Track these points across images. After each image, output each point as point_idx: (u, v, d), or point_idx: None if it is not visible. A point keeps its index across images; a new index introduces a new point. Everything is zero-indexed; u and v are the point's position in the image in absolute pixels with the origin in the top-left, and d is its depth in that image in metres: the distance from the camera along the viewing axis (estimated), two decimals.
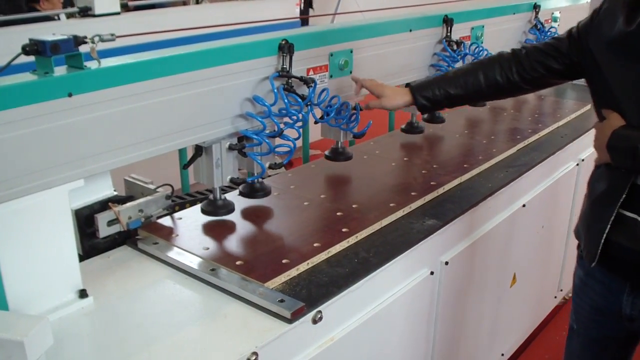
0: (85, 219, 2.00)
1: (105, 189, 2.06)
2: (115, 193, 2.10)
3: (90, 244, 2.05)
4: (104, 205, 2.04)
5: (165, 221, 2.23)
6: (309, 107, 2.27)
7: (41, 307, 1.73)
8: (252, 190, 2.36)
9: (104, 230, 2.03)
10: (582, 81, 2.19)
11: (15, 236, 1.64)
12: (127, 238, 2.15)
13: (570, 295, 4.19)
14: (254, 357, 1.62)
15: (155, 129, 1.91)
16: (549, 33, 3.96)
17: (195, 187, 3.00)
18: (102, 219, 2.02)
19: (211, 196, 2.27)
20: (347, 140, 2.74)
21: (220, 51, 2.04)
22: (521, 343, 3.55)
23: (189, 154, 2.27)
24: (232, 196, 2.39)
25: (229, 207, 2.27)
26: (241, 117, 2.15)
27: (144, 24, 4.43)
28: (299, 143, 2.56)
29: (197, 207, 2.32)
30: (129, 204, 2.10)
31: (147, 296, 1.88)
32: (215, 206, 2.25)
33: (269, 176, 2.68)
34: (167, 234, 2.14)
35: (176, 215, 2.28)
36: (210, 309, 1.81)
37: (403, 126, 3.28)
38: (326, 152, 2.79)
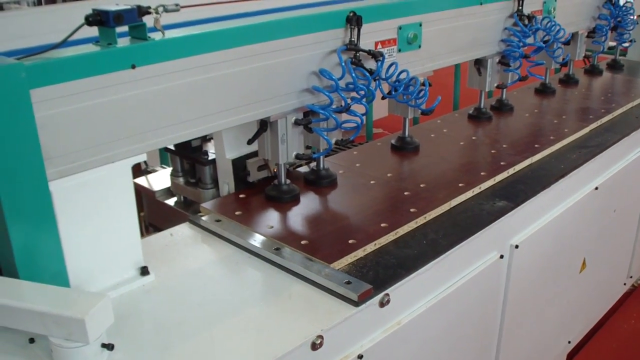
0: (240, 167, 2.28)
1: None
2: None
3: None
4: (255, 155, 2.29)
5: (229, 198, 2.19)
6: (377, 81, 2.19)
7: (102, 283, 1.70)
8: (318, 177, 2.33)
9: (255, 174, 2.30)
10: None
11: (77, 211, 1.60)
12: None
13: (639, 282, 4.05)
14: (319, 341, 1.56)
15: (219, 103, 1.85)
16: (624, 8, 3.79)
17: None
18: (252, 164, 2.29)
19: (276, 181, 2.24)
20: (413, 117, 2.65)
21: (287, 23, 1.97)
22: (588, 330, 3.43)
23: None
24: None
25: (293, 193, 2.21)
26: (307, 92, 2.08)
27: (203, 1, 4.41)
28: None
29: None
30: None
31: (208, 274, 1.84)
32: (280, 191, 2.20)
33: (335, 153, 2.62)
34: (231, 212, 2.09)
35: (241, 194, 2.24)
36: (273, 289, 1.76)
37: (470, 112, 3.16)
38: (392, 141, 2.71)
